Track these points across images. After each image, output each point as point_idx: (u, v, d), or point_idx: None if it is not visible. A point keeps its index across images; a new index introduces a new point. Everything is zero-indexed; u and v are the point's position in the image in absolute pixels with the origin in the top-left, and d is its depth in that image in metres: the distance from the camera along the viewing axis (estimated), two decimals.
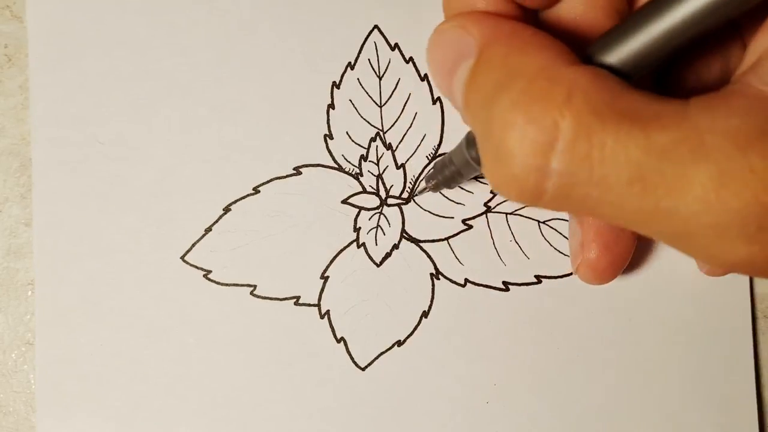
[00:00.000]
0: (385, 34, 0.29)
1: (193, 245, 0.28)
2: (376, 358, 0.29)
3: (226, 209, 0.28)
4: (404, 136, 0.29)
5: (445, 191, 0.29)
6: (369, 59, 0.29)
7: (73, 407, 0.28)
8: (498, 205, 0.29)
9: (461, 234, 0.29)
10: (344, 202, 0.29)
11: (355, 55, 0.29)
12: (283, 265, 0.28)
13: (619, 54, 0.17)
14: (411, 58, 0.29)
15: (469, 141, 0.23)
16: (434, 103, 0.29)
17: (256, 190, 0.28)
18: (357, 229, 0.29)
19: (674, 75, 0.22)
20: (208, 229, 0.28)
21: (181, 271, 0.28)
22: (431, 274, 0.29)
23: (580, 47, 0.20)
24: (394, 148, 0.29)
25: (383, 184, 0.29)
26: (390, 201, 0.29)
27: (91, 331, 0.28)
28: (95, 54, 0.28)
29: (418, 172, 0.29)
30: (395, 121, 0.29)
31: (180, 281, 0.28)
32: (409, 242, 0.29)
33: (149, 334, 0.28)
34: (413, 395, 0.29)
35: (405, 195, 0.29)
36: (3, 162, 0.28)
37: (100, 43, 0.28)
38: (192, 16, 0.28)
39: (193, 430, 0.28)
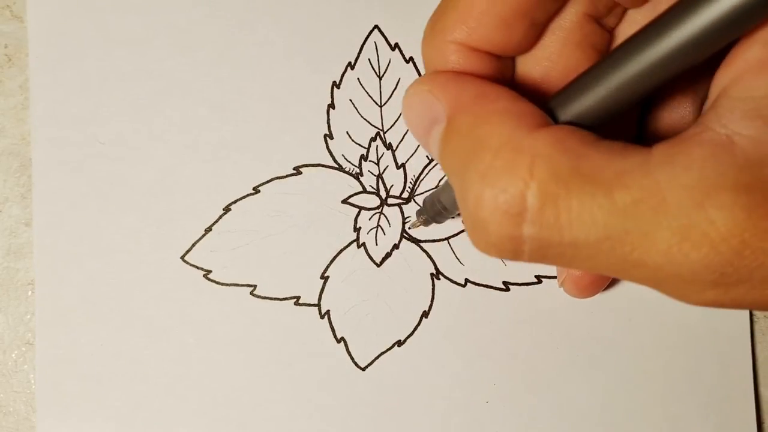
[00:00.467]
0: (386, 34, 0.29)
1: (194, 245, 0.28)
2: (377, 358, 0.29)
3: (226, 209, 0.28)
4: (404, 135, 0.29)
5: None
6: (369, 59, 0.29)
7: (73, 407, 0.28)
8: None
9: (461, 234, 0.29)
10: (344, 201, 0.29)
11: (356, 54, 0.29)
12: (283, 265, 0.28)
13: (580, 105, 0.18)
14: (411, 58, 0.29)
15: None
16: None
17: (256, 190, 0.28)
18: (357, 229, 0.29)
19: (645, 112, 0.22)
20: (208, 229, 0.28)
21: (182, 271, 0.28)
22: (431, 274, 0.29)
23: (556, 88, 0.20)
24: (394, 148, 0.29)
25: (383, 183, 0.29)
26: (390, 201, 0.29)
27: (91, 331, 0.28)
28: (95, 54, 0.28)
29: (418, 171, 0.29)
30: (395, 121, 0.29)
31: (180, 281, 0.28)
32: (409, 242, 0.29)
33: (149, 334, 0.28)
34: (413, 395, 0.29)
35: (405, 195, 0.29)
36: (3, 162, 0.28)
37: (100, 43, 0.28)
38: (192, 15, 0.28)
39: (193, 430, 0.28)
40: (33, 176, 0.28)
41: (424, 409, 0.29)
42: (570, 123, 0.18)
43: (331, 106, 0.29)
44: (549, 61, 0.20)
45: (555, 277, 0.29)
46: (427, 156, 0.29)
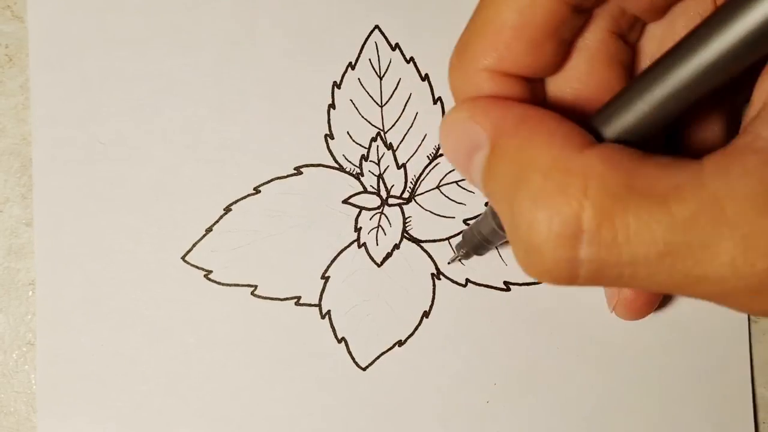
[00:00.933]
0: (386, 34, 0.29)
1: (194, 245, 0.28)
2: (377, 358, 0.29)
3: (227, 209, 0.28)
4: (405, 136, 0.29)
5: (445, 191, 0.29)
6: (370, 59, 0.29)
7: (73, 407, 0.28)
8: None
9: (462, 234, 0.29)
10: (345, 202, 0.29)
11: (356, 55, 0.29)
12: (283, 265, 0.28)
13: (624, 123, 0.17)
14: (412, 58, 0.29)
15: (494, 212, 0.23)
16: (435, 103, 0.29)
17: (256, 190, 0.28)
18: (358, 229, 0.29)
19: (682, 125, 0.22)
20: (209, 229, 0.28)
21: (182, 271, 0.28)
22: (432, 274, 0.29)
23: (590, 106, 0.20)
24: (394, 148, 0.29)
25: (384, 184, 0.29)
26: (391, 201, 0.29)
27: (91, 331, 0.28)
28: (95, 54, 0.28)
29: (419, 172, 0.29)
30: (396, 121, 0.29)
31: (181, 281, 0.28)
32: (410, 242, 0.29)
33: (150, 335, 0.28)
34: (414, 395, 0.29)
35: (406, 195, 0.29)
36: (4, 162, 0.28)
37: (100, 43, 0.28)
38: (192, 16, 0.28)
39: (193, 430, 0.28)
40: (34, 176, 0.28)
41: (424, 409, 0.29)
42: (616, 139, 0.18)
43: (332, 106, 0.29)
44: (579, 81, 0.20)
45: None
46: (427, 156, 0.29)
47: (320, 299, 0.29)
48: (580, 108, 0.21)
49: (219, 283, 0.28)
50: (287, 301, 0.28)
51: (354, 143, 0.29)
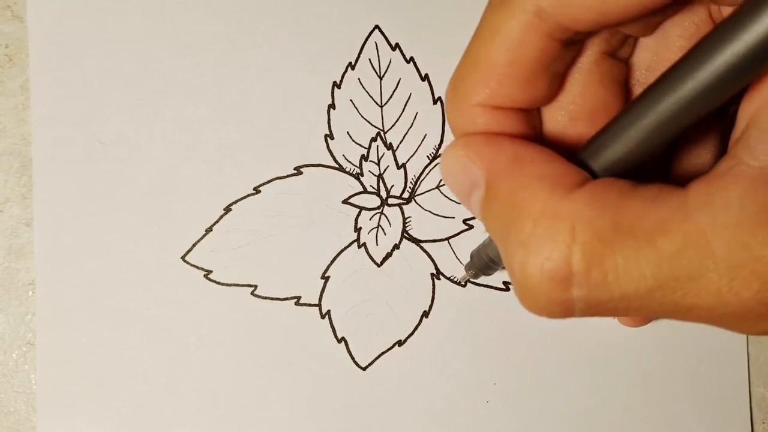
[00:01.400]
0: (386, 34, 0.29)
1: (194, 245, 0.28)
2: (377, 358, 0.29)
3: (227, 209, 0.28)
4: (405, 136, 0.29)
5: (445, 191, 0.29)
6: (370, 59, 0.29)
7: (73, 407, 0.28)
8: None
9: (462, 234, 0.29)
10: (345, 202, 0.29)
11: (356, 55, 0.29)
12: (283, 265, 0.28)
13: (613, 153, 0.18)
14: (412, 58, 0.29)
15: None
16: (435, 103, 0.29)
17: (256, 190, 0.28)
18: (358, 229, 0.29)
19: (674, 148, 0.22)
20: (209, 229, 0.28)
21: (182, 271, 0.28)
22: (432, 274, 0.29)
23: (587, 125, 0.20)
24: (394, 148, 0.29)
25: (384, 184, 0.29)
26: (391, 201, 0.29)
27: (91, 331, 0.28)
28: (95, 54, 0.28)
29: (419, 172, 0.29)
30: (396, 121, 0.29)
31: (181, 281, 0.28)
32: (409, 242, 0.29)
33: (150, 334, 0.28)
34: (413, 395, 0.29)
35: (406, 195, 0.29)
36: (4, 162, 0.28)
37: (100, 43, 0.28)
38: (192, 16, 0.28)
39: (193, 430, 0.28)
40: (34, 176, 0.28)
41: (424, 409, 0.29)
42: (606, 170, 0.18)
43: (332, 106, 0.29)
44: (574, 103, 0.20)
45: None
46: (427, 156, 0.29)
47: (320, 299, 0.29)
48: (576, 132, 0.21)
49: (219, 283, 0.28)
50: (287, 301, 0.28)
51: (354, 143, 0.29)
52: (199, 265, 0.28)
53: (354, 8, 0.29)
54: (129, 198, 0.28)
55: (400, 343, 0.29)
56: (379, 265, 0.29)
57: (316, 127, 0.29)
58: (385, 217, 0.29)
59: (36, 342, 0.28)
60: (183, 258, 0.28)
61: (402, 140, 0.29)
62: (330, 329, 0.29)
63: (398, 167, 0.29)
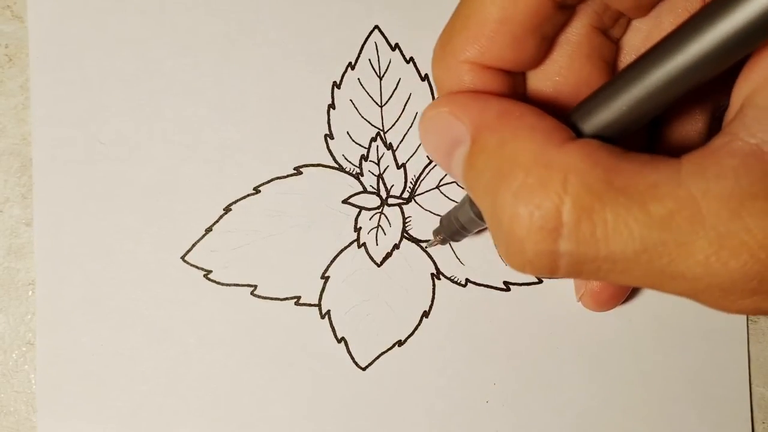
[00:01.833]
0: (386, 34, 0.29)
1: (194, 245, 0.28)
2: (377, 358, 0.29)
3: (227, 209, 0.28)
4: (405, 135, 0.29)
5: (445, 191, 0.29)
6: (369, 59, 0.29)
7: (73, 407, 0.28)
8: None
9: None
10: (345, 202, 0.29)
11: (356, 55, 0.29)
12: (283, 265, 0.28)
13: (603, 118, 0.18)
14: (411, 58, 0.29)
15: (472, 201, 0.24)
16: None
17: (256, 190, 0.28)
18: (358, 229, 0.29)
19: (664, 122, 0.22)
20: (209, 229, 0.28)
21: (182, 271, 0.28)
22: (432, 274, 0.29)
23: (570, 100, 0.20)
24: (394, 148, 0.29)
25: (384, 184, 0.29)
26: (391, 201, 0.29)
27: (91, 331, 0.28)
28: (95, 54, 0.28)
29: (419, 171, 0.29)
30: (396, 121, 0.29)
31: (180, 281, 0.28)
32: (409, 242, 0.29)
33: (150, 334, 0.28)
34: (413, 395, 0.29)
35: (405, 195, 0.29)
36: (4, 162, 0.28)
37: (100, 43, 0.28)
38: (192, 16, 0.28)
39: (193, 430, 0.28)
40: (33, 176, 0.28)
41: (424, 409, 0.29)
42: (595, 135, 0.18)
43: (332, 106, 0.29)
44: (559, 75, 0.20)
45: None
46: (427, 156, 0.29)
47: (320, 299, 0.29)
48: (559, 102, 0.21)
49: (219, 283, 0.28)
50: (287, 301, 0.28)
51: (354, 143, 0.29)
52: (199, 265, 0.28)
53: (354, 8, 0.29)
54: (129, 198, 0.28)
55: (400, 343, 0.29)
56: (379, 265, 0.29)
57: (316, 127, 0.29)
58: (385, 217, 0.29)
59: (36, 342, 0.28)
60: (183, 258, 0.28)
61: (402, 140, 0.29)
62: (330, 329, 0.29)
63: (398, 167, 0.29)
